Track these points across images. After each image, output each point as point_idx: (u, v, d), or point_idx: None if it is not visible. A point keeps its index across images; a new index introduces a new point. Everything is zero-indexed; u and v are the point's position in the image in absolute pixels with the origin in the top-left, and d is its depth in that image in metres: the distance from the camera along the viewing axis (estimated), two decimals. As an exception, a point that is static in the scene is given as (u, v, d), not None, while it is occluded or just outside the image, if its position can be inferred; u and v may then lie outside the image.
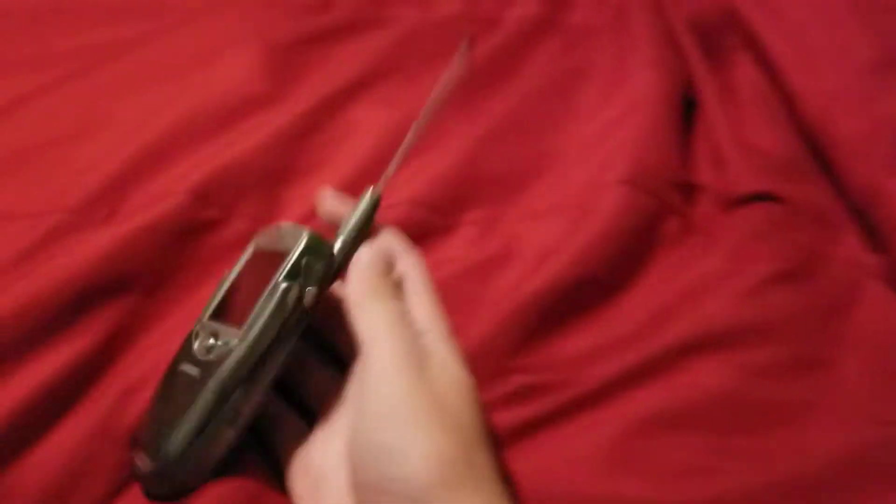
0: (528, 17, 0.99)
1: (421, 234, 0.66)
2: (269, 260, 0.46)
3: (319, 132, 0.75)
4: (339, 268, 0.47)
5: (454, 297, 0.62)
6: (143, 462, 0.44)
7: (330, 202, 0.51)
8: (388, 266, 0.46)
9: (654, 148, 0.72)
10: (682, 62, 0.86)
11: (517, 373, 0.55)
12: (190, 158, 0.69)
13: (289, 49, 0.85)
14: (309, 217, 0.68)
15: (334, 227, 0.49)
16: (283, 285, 0.44)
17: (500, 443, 0.51)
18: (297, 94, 0.79)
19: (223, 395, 0.43)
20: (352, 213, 0.48)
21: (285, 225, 0.49)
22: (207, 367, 0.43)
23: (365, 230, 0.48)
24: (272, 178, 0.70)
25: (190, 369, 0.44)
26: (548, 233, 0.67)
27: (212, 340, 0.44)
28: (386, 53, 0.88)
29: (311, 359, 0.50)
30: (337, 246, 0.47)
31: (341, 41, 0.90)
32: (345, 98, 0.80)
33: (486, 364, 0.55)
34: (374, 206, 0.49)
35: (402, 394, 0.39)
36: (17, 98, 0.74)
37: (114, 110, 0.73)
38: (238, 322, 0.44)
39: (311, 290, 0.44)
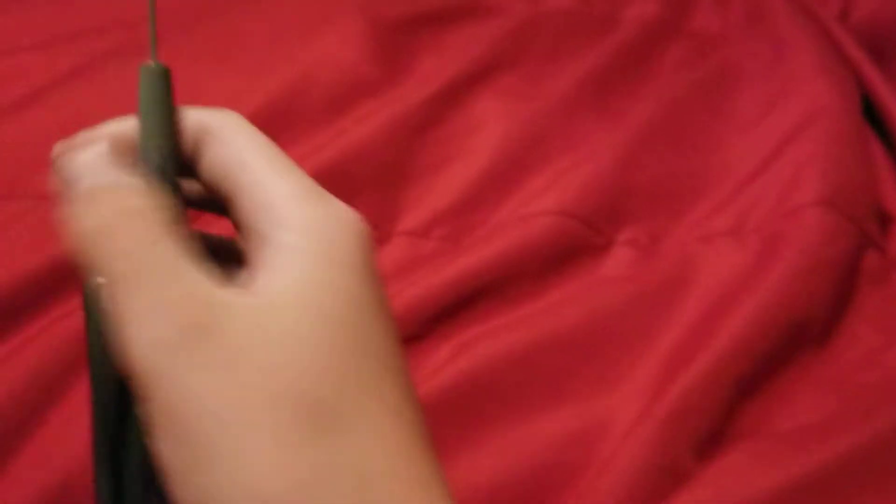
0: (649, 17, 0.88)
1: (572, 251, 0.55)
2: None
3: (440, 125, 0.63)
4: None
5: (621, 328, 0.50)
6: None
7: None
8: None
9: (845, 166, 0.61)
10: (850, 70, 0.74)
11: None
12: (294, 146, 0.57)
13: (395, 30, 0.74)
14: (430, 225, 0.56)
15: None
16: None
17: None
18: (411, 81, 0.67)
19: None
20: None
21: None
22: None
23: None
24: (388, 175, 0.59)
25: None
26: (728, 260, 0.55)
27: None
28: (501, 44, 0.76)
29: None
30: None
31: (448, 27, 0.79)
32: (464, 88, 0.68)
33: (681, 431, 0.42)
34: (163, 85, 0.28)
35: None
36: (84, 65, 0.62)
37: (202, 83, 0.61)
38: None
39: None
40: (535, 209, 0.56)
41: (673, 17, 0.90)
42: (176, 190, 0.27)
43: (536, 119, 0.66)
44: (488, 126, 0.65)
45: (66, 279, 0.46)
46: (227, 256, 0.29)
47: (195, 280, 0.23)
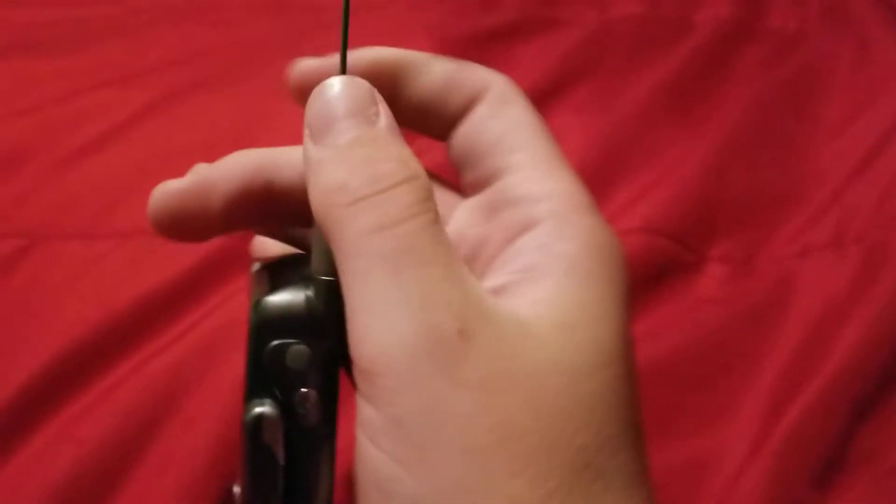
0: (722, 18, 0.85)
1: (663, 270, 0.53)
2: None
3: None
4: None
5: (722, 354, 0.48)
6: None
7: None
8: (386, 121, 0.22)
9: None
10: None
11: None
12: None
13: (464, 47, 0.73)
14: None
15: None
16: (250, 417, 0.23)
17: None
18: (485, 98, 0.66)
19: None
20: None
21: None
22: None
23: None
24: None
25: None
26: (829, 276, 0.52)
27: None
28: (573, 56, 0.75)
29: None
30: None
31: (515, 41, 0.78)
32: (539, 104, 0.66)
33: (799, 462, 0.40)
34: None
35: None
36: (161, 98, 0.62)
37: (273, 113, 0.61)
38: None
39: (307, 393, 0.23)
40: (621, 227, 0.54)
41: (748, 16, 0.87)
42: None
43: (615, 132, 0.64)
44: (566, 142, 0.63)
45: (153, 318, 0.46)
46: None
47: (463, 276, 0.20)
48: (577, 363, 0.20)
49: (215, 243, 0.49)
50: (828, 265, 0.53)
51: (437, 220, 0.20)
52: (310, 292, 0.23)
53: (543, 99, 0.67)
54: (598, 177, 0.60)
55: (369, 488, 0.20)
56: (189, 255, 0.49)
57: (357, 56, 0.25)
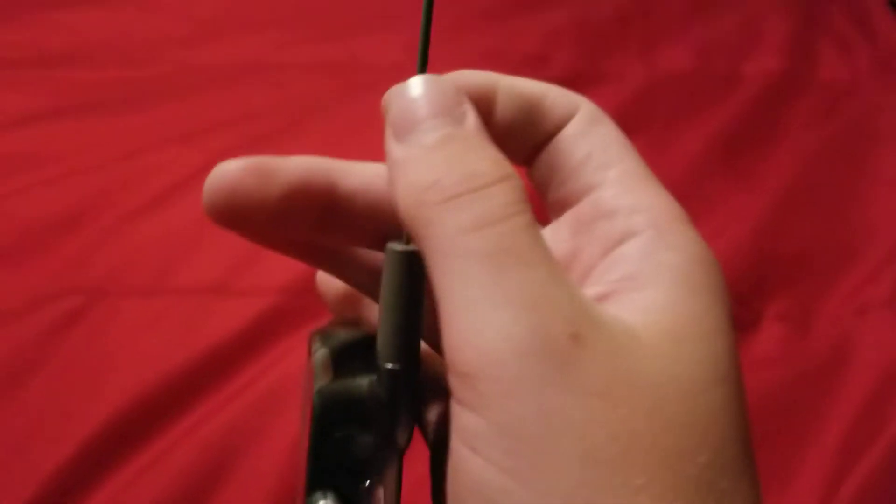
0: (772, 71, 0.85)
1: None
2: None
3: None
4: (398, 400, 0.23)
5: (782, 418, 0.47)
6: None
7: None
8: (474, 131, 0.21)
9: None
10: None
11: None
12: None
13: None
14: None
15: None
16: None
17: None
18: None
19: None
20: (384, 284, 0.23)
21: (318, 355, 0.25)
22: None
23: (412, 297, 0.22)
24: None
25: None
26: (889, 335, 0.51)
27: None
28: (623, 111, 0.75)
29: None
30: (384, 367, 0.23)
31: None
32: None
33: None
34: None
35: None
36: (219, 157, 0.64)
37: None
38: None
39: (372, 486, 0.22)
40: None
41: (797, 69, 0.87)
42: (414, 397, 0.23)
43: (668, 186, 0.64)
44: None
45: (208, 377, 0.46)
46: None
47: (566, 279, 0.19)
48: (694, 376, 0.19)
49: (269, 301, 0.50)
50: (887, 323, 0.52)
51: (534, 223, 0.19)
52: (374, 379, 0.22)
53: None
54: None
55: (471, 501, 0.18)
56: (244, 313, 0.49)
57: (445, 80, 0.24)
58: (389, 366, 0.22)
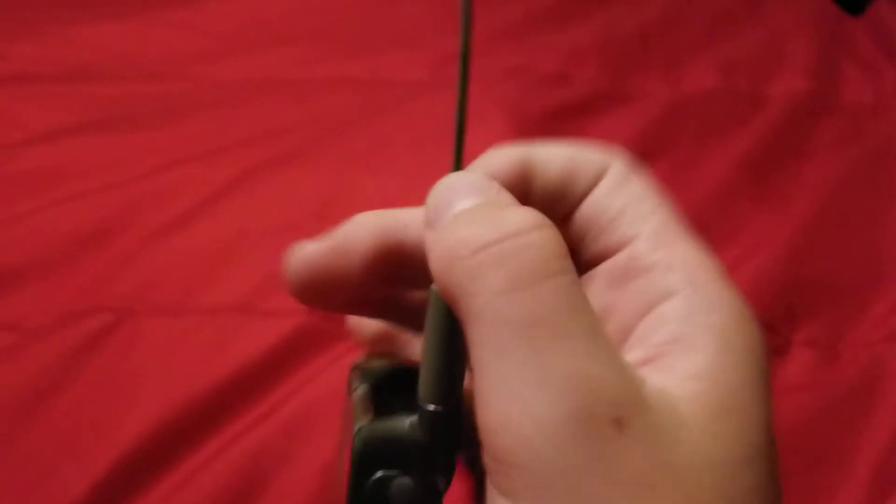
0: (797, 92, 0.84)
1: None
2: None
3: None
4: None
5: (813, 447, 0.46)
6: None
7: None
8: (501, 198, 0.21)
9: None
10: None
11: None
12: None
13: (536, 123, 0.73)
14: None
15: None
16: None
17: None
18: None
19: None
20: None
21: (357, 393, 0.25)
22: None
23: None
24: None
25: None
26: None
27: None
28: (648, 132, 0.75)
29: None
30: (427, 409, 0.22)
31: (589, 117, 0.78)
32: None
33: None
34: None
35: None
36: (243, 174, 0.64)
37: (354, 187, 0.62)
38: None
39: None
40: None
41: (822, 90, 0.86)
42: (456, 438, 0.22)
43: (695, 208, 0.64)
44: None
45: (237, 397, 0.46)
46: None
47: (610, 351, 0.18)
48: (731, 456, 0.18)
49: (296, 321, 0.50)
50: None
51: (576, 281, 0.19)
52: (415, 420, 0.22)
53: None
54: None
55: None
56: (271, 333, 0.49)
57: (482, 163, 0.24)
58: (431, 407, 0.22)
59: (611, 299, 0.22)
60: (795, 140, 0.76)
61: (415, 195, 0.65)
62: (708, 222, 0.63)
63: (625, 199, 0.23)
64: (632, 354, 0.20)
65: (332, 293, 0.24)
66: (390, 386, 0.24)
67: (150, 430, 0.43)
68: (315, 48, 0.89)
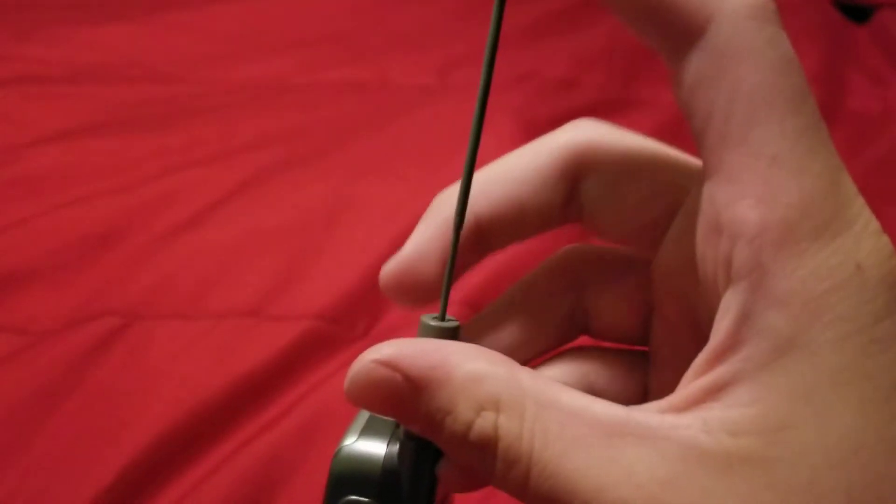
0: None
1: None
2: None
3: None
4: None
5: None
6: None
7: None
8: None
9: None
10: None
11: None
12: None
13: (545, 129, 0.73)
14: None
15: None
16: None
17: None
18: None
19: None
20: None
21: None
22: None
23: None
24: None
25: None
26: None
27: None
28: (656, 137, 0.75)
29: None
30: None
31: (598, 123, 0.78)
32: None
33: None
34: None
35: None
36: (251, 178, 0.64)
37: (364, 192, 0.62)
38: None
39: None
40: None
41: (829, 99, 0.86)
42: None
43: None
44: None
45: (247, 402, 0.46)
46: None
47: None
48: (797, 481, 0.17)
49: (305, 325, 0.50)
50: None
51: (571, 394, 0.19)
52: (394, 448, 0.22)
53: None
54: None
55: None
56: (281, 337, 0.49)
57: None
58: (411, 439, 0.22)
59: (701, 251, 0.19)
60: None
61: (424, 199, 0.65)
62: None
63: (718, 96, 0.18)
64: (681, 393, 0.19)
65: (423, 291, 0.24)
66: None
67: (161, 434, 0.43)
68: (322, 52, 0.89)
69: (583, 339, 0.26)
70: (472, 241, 0.24)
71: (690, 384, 0.18)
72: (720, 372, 0.18)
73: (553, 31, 0.94)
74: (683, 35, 0.18)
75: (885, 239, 0.17)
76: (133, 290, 0.53)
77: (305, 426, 0.44)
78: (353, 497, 0.22)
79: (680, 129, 0.77)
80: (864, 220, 0.17)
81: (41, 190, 0.63)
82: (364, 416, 0.23)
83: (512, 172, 0.24)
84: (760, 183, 0.17)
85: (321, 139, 0.71)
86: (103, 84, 0.81)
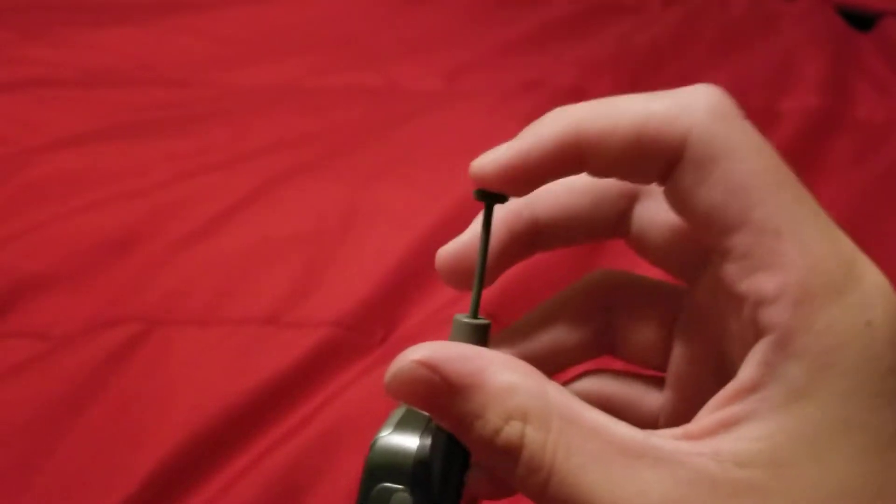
0: (810, 108, 0.85)
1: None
2: None
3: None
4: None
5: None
6: None
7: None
8: None
9: None
10: None
11: None
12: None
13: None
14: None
15: None
16: None
17: None
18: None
19: None
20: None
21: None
22: None
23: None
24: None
25: None
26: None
27: None
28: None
29: None
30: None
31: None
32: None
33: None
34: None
35: None
36: (265, 183, 0.64)
37: (374, 199, 0.62)
38: None
39: None
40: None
41: (835, 107, 0.87)
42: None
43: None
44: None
45: (268, 408, 0.46)
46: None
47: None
48: None
49: (323, 332, 0.50)
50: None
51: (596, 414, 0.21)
52: (427, 441, 0.24)
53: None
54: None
55: None
56: (300, 344, 0.50)
57: (529, 140, 0.23)
58: (442, 430, 0.23)
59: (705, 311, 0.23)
60: (809, 156, 0.77)
61: (435, 206, 0.65)
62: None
63: (712, 193, 0.20)
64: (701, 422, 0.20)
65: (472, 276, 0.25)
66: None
67: (184, 440, 0.44)
68: (331, 57, 0.90)
69: (607, 359, 0.27)
70: (526, 238, 0.25)
71: (707, 416, 0.20)
72: (737, 408, 0.20)
73: (560, 38, 0.95)
74: (668, 161, 0.20)
75: (893, 298, 0.19)
76: (151, 296, 0.54)
77: (327, 433, 0.44)
78: (387, 484, 0.23)
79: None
80: (871, 278, 0.19)
81: (56, 194, 0.63)
82: (399, 411, 0.25)
83: (577, 182, 0.25)
84: (771, 254, 0.19)
85: (332, 144, 0.71)
86: (114, 87, 0.81)
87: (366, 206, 0.62)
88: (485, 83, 0.86)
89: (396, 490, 0.23)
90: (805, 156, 0.77)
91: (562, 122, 0.22)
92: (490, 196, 0.23)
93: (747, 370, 0.20)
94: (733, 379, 0.20)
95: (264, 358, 0.49)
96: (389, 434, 0.24)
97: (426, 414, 0.24)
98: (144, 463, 0.43)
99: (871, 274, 0.19)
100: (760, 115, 0.84)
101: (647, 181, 0.22)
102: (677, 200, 0.21)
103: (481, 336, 0.23)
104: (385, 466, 0.23)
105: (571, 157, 0.22)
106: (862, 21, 1.11)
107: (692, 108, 0.20)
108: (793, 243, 0.19)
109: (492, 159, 0.23)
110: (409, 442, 0.24)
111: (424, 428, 0.24)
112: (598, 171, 0.22)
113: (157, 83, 0.82)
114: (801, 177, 0.65)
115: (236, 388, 0.47)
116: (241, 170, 0.67)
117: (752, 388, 0.20)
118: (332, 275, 0.55)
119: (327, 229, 0.59)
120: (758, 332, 0.20)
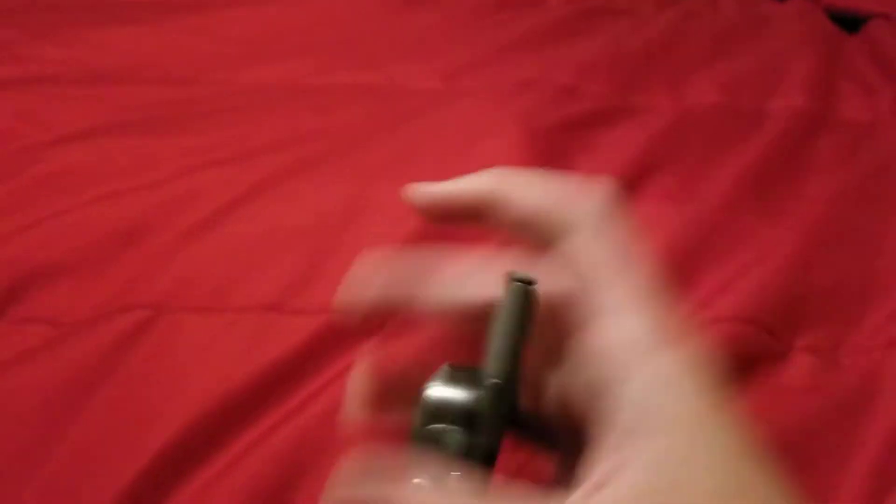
0: (797, 109, 0.88)
1: (751, 359, 0.54)
2: None
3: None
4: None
5: (810, 446, 0.49)
6: None
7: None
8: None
9: None
10: None
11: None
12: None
13: (547, 135, 0.76)
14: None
15: None
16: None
17: None
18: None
19: None
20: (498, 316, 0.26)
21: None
22: None
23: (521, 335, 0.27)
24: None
25: None
26: (917, 367, 0.53)
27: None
28: (655, 145, 0.78)
29: None
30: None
31: (597, 129, 0.81)
32: (626, 191, 0.69)
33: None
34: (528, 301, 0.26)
35: None
36: (270, 178, 0.67)
37: (375, 195, 0.65)
38: None
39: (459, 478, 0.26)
40: (709, 316, 0.56)
41: (821, 107, 0.89)
42: (510, 411, 0.26)
43: (701, 220, 0.67)
44: (652, 230, 0.65)
45: (273, 390, 0.49)
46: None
47: None
48: None
49: (325, 319, 0.53)
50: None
51: None
52: (480, 392, 0.26)
53: (631, 186, 0.70)
54: (685, 266, 0.62)
55: None
56: (302, 329, 0.52)
57: (461, 182, 0.29)
58: (494, 380, 0.26)
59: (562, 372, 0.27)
60: (796, 156, 0.79)
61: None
62: (714, 233, 0.65)
63: (594, 256, 0.26)
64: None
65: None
66: (468, 370, 0.28)
67: (192, 422, 0.46)
68: (333, 56, 0.92)
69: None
70: None
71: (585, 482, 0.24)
72: (605, 467, 0.23)
73: (556, 39, 0.97)
74: (555, 238, 0.27)
75: (706, 355, 0.24)
76: (159, 284, 0.56)
77: (330, 412, 0.46)
78: (439, 425, 0.26)
79: (680, 136, 0.80)
80: (692, 341, 0.25)
81: (67, 187, 0.66)
82: (442, 372, 0.27)
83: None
84: (612, 326, 0.25)
85: (334, 142, 0.73)
86: (121, 85, 0.83)
87: (367, 201, 0.64)
88: (483, 83, 0.89)
89: (449, 429, 0.26)
90: (792, 155, 0.79)
91: (488, 181, 0.28)
92: (524, 282, 0.26)
93: (596, 430, 0.24)
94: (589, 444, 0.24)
95: (269, 343, 0.51)
96: (441, 384, 0.26)
97: (473, 369, 0.27)
98: (153, 442, 0.45)
99: (691, 339, 0.25)
100: (748, 115, 0.87)
101: (540, 247, 0.27)
102: (567, 253, 0.27)
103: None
104: (438, 410, 0.26)
105: (483, 208, 0.28)
106: (850, 23, 1.14)
107: (582, 208, 0.27)
108: (630, 315, 0.25)
109: (424, 190, 0.29)
110: (462, 389, 0.26)
111: (472, 381, 0.26)
112: (499, 226, 0.28)
113: (163, 81, 0.84)
114: (788, 176, 0.67)
115: (243, 372, 0.49)
116: (247, 165, 0.70)
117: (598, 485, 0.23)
118: (334, 265, 0.57)
119: (329, 222, 0.61)
120: (594, 394, 0.25)
